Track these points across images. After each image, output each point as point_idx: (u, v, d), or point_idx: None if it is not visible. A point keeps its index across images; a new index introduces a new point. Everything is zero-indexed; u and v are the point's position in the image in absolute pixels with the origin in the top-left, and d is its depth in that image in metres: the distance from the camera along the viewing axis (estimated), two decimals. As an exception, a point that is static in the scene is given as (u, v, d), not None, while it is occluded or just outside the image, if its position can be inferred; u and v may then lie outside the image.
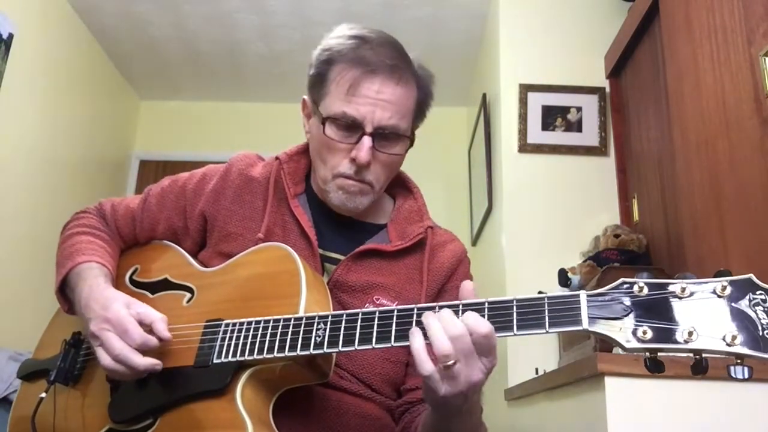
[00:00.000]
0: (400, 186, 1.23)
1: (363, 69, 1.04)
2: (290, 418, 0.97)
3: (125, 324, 0.94)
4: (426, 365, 0.79)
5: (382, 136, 1.06)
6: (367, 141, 1.04)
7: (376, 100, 1.04)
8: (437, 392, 0.79)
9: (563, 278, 2.33)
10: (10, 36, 2.90)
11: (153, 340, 0.94)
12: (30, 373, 1.16)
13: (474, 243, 3.43)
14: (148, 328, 0.96)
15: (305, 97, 1.16)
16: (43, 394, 1.06)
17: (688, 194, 1.89)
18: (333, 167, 1.07)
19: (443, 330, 0.78)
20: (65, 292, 1.12)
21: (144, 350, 0.94)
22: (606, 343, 1.90)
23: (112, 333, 0.94)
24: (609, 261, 2.28)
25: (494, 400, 2.44)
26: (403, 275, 1.11)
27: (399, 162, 1.12)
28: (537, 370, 2.26)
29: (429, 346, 0.80)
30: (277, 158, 1.18)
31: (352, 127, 1.04)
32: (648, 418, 1.23)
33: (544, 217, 2.67)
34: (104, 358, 0.94)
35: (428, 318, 0.81)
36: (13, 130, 3.02)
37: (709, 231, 1.75)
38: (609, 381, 1.26)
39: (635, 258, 2.29)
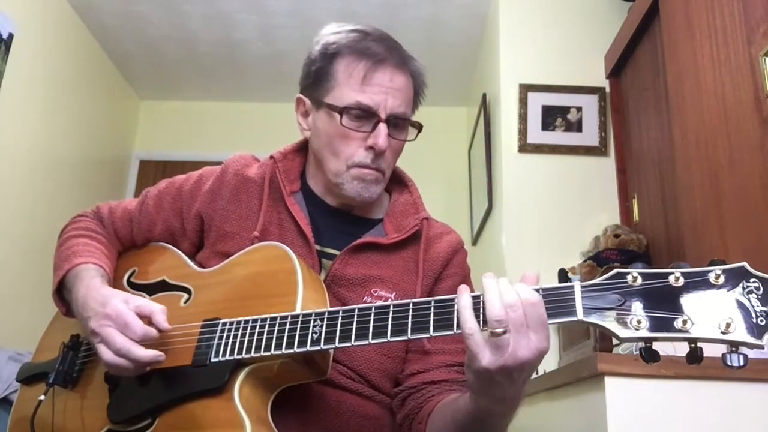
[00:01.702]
0: (395, 180, 1.24)
1: (373, 59, 1.07)
2: (289, 417, 0.97)
3: (125, 318, 0.94)
4: (469, 323, 0.75)
5: (394, 123, 1.08)
6: (383, 128, 1.06)
7: (389, 89, 1.07)
8: (479, 360, 0.75)
9: (563, 278, 2.33)
10: (10, 36, 2.90)
11: (154, 332, 0.95)
12: (29, 376, 1.16)
13: (474, 243, 3.43)
14: (148, 320, 0.96)
15: (300, 95, 1.17)
16: (42, 397, 1.06)
17: (688, 194, 1.89)
18: (348, 157, 1.09)
19: (500, 296, 0.75)
20: (62, 294, 1.12)
21: (145, 343, 0.94)
22: (606, 343, 1.90)
23: (113, 328, 0.94)
24: (609, 261, 2.28)
25: (494, 400, 2.43)
26: (400, 267, 1.12)
27: (401, 150, 1.15)
28: (537, 370, 2.25)
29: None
30: (271, 157, 1.19)
31: (366, 116, 1.07)
32: (648, 418, 1.23)
33: (544, 217, 2.67)
34: (106, 354, 0.94)
35: (487, 279, 0.77)
36: (12, 130, 3.02)
37: (709, 230, 1.74)
38: (609, 381, 1.26)
39: (635, 258, 2.29)
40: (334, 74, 1.09)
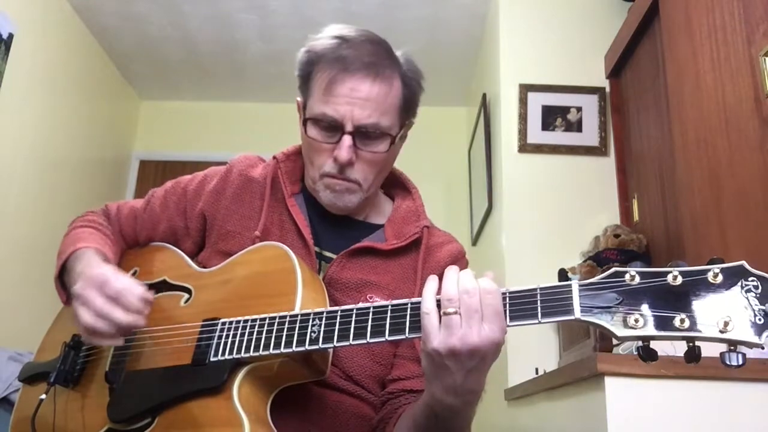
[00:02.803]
0: (398, 187, 1.24)
1: (339, 68, 1.04)
2: (288, 417, 0.97)
3: (105, 276, 0.94)
4: (427, 302, 0.79)
5: (364, 134, 1.06)
6: (347, 140, 1.04)
7: (353, 99, 1.04)
8: (431, 340, 0.78)
9: (563, 278, 2.33)
10: (10, 36, 2.90)
11: (136, 288, 0.94)
12: (31, 375, 1.16)
13: (474, 243, 3.43)
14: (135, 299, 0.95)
15: (298, 98, 1.17)
16: (43, 396, 1.06)
17: (688, 194, 1.89)
18: (319, 167, 1.09)
19: (457, 280, 0.79)
20: (63, 281, 1.12)
21: (126, 308, 0.93)
22: (606, 343, 1.90)
23: (93, 290, 0.94)
24: (609, 261, 2.28)
25: (494, 400, 2.43)
26: (398, 274, 1.11)
27: (387, 159, 1.12)
28: (537, 370, 2.26)
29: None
30: (274, 158, 1.19)
31: (332, 127, 1.05)
32: (648, 418, 1.23)
33: (544, 217, 2.67)
34: (84, 315, 0.93)
35: (449, 269, 0.81)
36: (12, 130, 3.02)
37: (709, 231, 1.75)
38: (609, 381, 1.26)
39: (635, 258, 2.29)
40: (310, 83, 1.09)
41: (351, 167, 1.06)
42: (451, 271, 0.81)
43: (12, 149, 3.03)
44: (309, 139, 1.07)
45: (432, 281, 0.82)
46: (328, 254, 1.11)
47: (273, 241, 1.07)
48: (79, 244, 1.11)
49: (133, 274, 1.17)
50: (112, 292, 0.93)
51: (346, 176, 1.07)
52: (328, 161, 1.07)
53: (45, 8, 3.23)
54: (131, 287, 0.95)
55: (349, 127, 1.04)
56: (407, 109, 1.12)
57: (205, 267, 1.11)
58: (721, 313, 0.69)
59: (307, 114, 1.08)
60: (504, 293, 0.79)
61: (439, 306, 0.79)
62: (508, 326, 0.79)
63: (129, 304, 0.94)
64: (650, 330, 0.71)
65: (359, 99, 1.04)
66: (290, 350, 0.88)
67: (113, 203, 1.28)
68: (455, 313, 0.77)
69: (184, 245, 1.18)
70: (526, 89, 2.84)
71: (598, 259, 2.34)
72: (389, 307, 0.85)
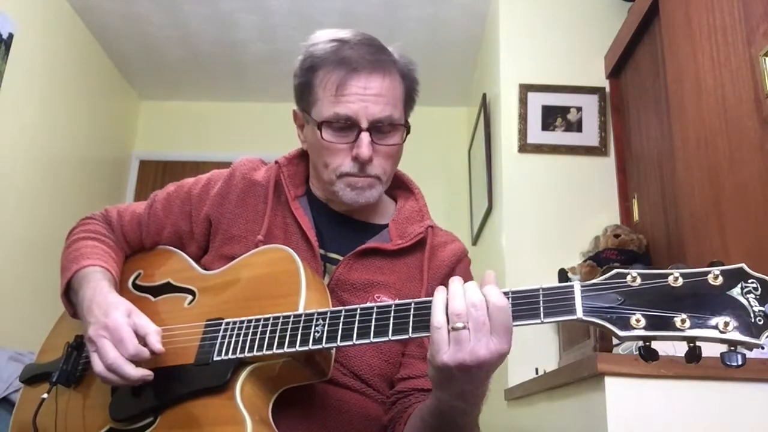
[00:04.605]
0: (401, 187, 1.25)
1: (347, 69, 1.06)
2: (291, 415, 0.98)
3: (122, 333, 0.95)
4: (438, 316, 0.79)
5: (379, 129, 1.07)
6: (365, 137, 1.06)
7: (366, 96, 1.06)
8: (441, 355, 0.78)
9: (563, 278, 2.33)
10: (10, 36, 2.90)
11: (146, 352, 0.95)
12: (32, 376, 1.16)
13: (474, 243, 3.44)
14: (143, 340, 0.96)
15: (294, 108, 1.18)
16: (45, 395, 1.06)
17: (688, 194, 1.89)
18: (336, 168, 1.09)
19: (463, 293, 0.79)
20: (69, 296, 1.13)
21: (137, 361, 0.94)
22: (606, 343, 1.90)
23: (108, 340, 0.95)
24: (609, 261, 2.28)
25: (494, 400, 2.43)
26: (404, 273, 1.12)
27: (400, 151, 1.14)
28: (537, 370, 2.26)
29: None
30: (276, 162, 1.20)
31: (347, 126, 1.06)
32: (648, 418, 1.23)
33: (544, 217, 2.67)
34: (97, 365, 0.95)
35: (453, 281, 0.82)
36: (12, 129, 3.02)
37: (709, 231, 1.75)
38: (609, 381, 1.26)
39: (635, 258, 2.29)
40: (314, 88, 1.10)
41: (370, 163, 1.08)
42: (456, 284, 0.81)
43: (12, 149, 3.03)
44: (325, 142, 1.07)
45: (440, 293, 0.81)
46: (333, 256, 1.12)
47: (277, 244, 1.07)
48: (83, 261, 1.11)
49: (137, 277, 1.17)
50: (126, 353, 0.94)
51: (366, 173, 1.08)
52: (346, 161, 1.08)
53: (45, 8, 3.23)
54: (142, 351, 0.95)
55: (364, 124, 1.06)
56: (409, 100, 1.15)
57: (208, 270, 1.12)
58: (721, 314, 0.70)
59: (318, 118, 1.08)
60: (507, 293, 0.80)
61: (447, 319, 0.79)
62: (512, 326, 0.79)
63: (141, 361, 0.95)
64: (651, 330, 0.72)
65: (372, 95, 1.06)
66: (293, 350, 0.88)
67: (113, 208, 1.27)
68: (464, 327, 0.77)
69: (188, 249, 1.18)
70: (526, 89, 2.84)
71: (598, 259, 2.34)
72: (393, 307, 0.85)
